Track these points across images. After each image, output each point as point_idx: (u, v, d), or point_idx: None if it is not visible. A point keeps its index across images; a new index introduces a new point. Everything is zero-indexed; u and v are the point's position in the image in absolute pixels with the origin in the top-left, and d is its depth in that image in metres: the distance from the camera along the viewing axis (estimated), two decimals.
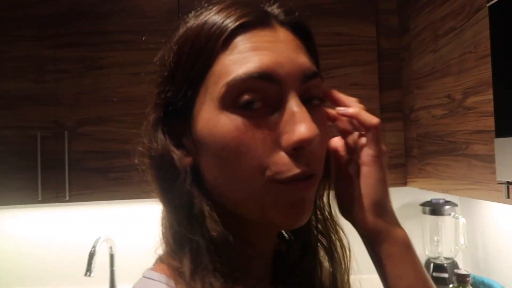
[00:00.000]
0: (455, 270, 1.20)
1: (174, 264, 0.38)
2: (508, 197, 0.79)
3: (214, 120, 0.37)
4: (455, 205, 1.48)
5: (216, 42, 0.37)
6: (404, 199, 1.63)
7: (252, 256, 0.41)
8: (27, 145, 1.20)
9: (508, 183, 0.77)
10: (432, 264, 1.48)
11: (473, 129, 0.95)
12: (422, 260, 1.59)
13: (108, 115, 1.22)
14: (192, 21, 0.40)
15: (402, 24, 1.35)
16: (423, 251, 1.57)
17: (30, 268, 1.52)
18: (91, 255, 1.20)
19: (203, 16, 0.39)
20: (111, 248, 1.36)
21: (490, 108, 0.83)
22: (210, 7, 0.40)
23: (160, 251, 0.41)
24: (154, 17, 1.29)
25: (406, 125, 1.35)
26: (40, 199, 1.18)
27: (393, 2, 1.37)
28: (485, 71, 0.87)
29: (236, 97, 0.36)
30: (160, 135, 0.40)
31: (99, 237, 1.24)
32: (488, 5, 0.81)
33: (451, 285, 1.35)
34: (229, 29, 0.37)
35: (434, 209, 1.47)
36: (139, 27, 1.27)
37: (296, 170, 0.36)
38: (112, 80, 1.24)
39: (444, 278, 1.42)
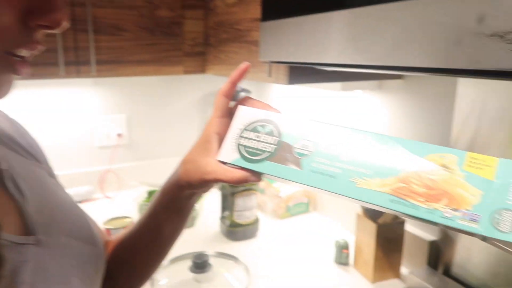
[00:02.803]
0: None
1: None
2: (270, 75, 0.93)
3: None
4: (249, 91, 1.67)
5: None
6: (206, 88, 1.75)
7: None
8: None
9: (271, 62, 0.90)
10: None
11: (253, 17, 1.04)
12: None
13: None
14: None
15: None
16: None
17: None
18: None
19: None
20: None
21: None
22: None
23: None
24: None
25: (206, 14, 1.38)
26: None
27: None
28: None
29: None
30: None
31: None
32: None
33: None
34: None
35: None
36: None
37: (33, 48, 0.34)
38: None
39: None
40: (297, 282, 0.99)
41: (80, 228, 0.48)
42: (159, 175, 1.73)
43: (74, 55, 1.20)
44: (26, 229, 0.39)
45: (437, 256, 0.94)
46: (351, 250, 1.06)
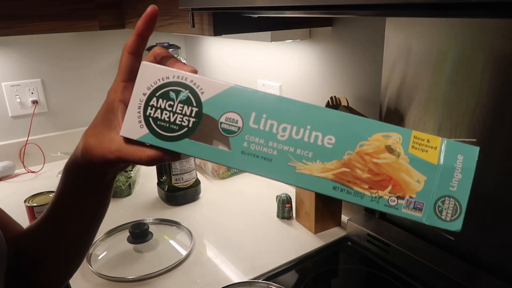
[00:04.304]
0: None
1: None
2: (194, 26, 0.84)
3: None
4: (178, 47, 1.55)
5: None
6: None
7: None
8: None
9: (193, 9, 0.80)
10: None
11: None
12: None
13: None
14: None
15: None
16: None
17: None
18: None
19: None
20: None
21: None
22: None
23: None
24: None
25: None
26: None
27: None
28: None
29: None
30: None
31: None
32: None
33: None
34: None
35: None
36: None
37: None
38: None
39: None
40: (242, 240, 0.97)
41: None
42: None
43: None
44: None
45: None
46: (293, 203, 1.05)
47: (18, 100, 1.42)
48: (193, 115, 0.35)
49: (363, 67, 0.95)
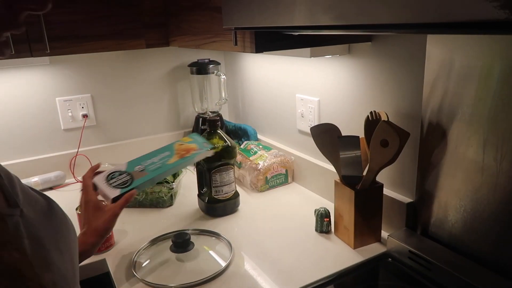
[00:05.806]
0: (207, 117, 1.35)
1: None
2: (236, 43, 0.88)
3: None
4: (218, 63, 1.60)
5: None
6: (173, 62, 1.67)
7: None
8: None
9: (236, 28, 0.84)
10: (200, 119, 1.64)
11: None
12: (192, 116, 1.75)
13: None
14: None
15: None
16: (193, 109, 1.71)
17: None
18: None
19: None
20: None
21: None
22: None
23: None
24: None
25: None
26: None
27: None
28: None
29: None
30: None
31: None
32: None
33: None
34: None
35: (200, 68, 1.57)
36: None
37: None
38: None
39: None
40: (280, 253, 0.98)
41: (49, 204, 0.52)
42: (132, 155, 1.68)
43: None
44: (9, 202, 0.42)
45: (415, 217, 0.95)
46: (331, 218, 1.05)
47: (70, 114, 1.52)
48: (127, 176, 0.87)
49: (404, 82, 0.95)
